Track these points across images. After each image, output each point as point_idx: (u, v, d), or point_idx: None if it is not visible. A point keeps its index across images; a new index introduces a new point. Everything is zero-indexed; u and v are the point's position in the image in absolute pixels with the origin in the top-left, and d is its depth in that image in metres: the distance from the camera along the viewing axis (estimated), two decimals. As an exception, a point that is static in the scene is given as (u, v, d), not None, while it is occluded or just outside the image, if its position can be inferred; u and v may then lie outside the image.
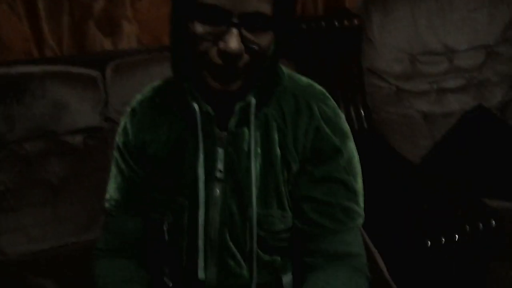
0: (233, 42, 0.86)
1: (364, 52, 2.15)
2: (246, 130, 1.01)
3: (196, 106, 0.99)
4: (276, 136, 1.02)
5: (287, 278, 1.11)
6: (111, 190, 1.12)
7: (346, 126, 1.05)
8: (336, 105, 1.06)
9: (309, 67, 1.99)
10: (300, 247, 1.05)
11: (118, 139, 1.11)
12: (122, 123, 1.11)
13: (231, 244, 1.04)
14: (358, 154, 1.07)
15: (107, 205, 1.13)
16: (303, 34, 2.09)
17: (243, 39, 0.88)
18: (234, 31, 0.86)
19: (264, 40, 0.90)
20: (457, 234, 1.43)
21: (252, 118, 1.00)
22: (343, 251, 1.02)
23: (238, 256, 1.05)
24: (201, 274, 1.05)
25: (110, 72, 1.85)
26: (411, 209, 1.59)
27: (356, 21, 2.11)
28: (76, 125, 1.81)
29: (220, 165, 1.02)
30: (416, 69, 2.18)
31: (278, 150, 1.02)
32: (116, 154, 1.12)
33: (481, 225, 1.46)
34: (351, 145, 1.05)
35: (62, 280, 1.52)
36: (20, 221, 1.69)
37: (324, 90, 1.07)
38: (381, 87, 2.16)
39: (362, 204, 1.05)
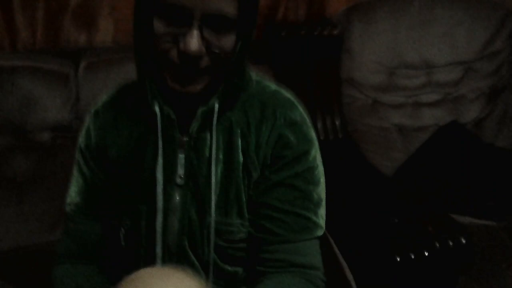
0: (193, 43, 0.85)
1: (342, 62, 2.14)
2: (208, 135, 0.99)
3: (157, 108, 0.97)
4: (238, 143, 1.00)
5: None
6: (72, 193, 1.09)
7: (312, 135, 1.03)
8: (303, 112, 1.04)
9: (287, 75, 1.98)
10: (254, 256, 1.02)
11: (81, 140, 1.08)
12: (85, 124, 1.09)
13: (190, 252, 1.01)
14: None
15: (67, 208, 1.10)
16: (282, 41, 2.07)
17: (204, 40, 0.86)
18: (195, 31, 0.85)
19: (227, 42, 0.89)
20: (427, 250, 1.42)
21: (214, 123, 0.98)
22: (297, 262, 1.00)
23: (197, 265, 1.02)
24: None
25: (83, 69, 1.81)
26: (381, 222, 1.58)
27: (336, 31, 2.10)
28: (45, 122, 1.76)
29: (180, 171, 1.00)
30: (393, 82, 2.18)
31: (240, 157, 1.00)
32: (78, 156, 1.09)
33: (450, 242, 1.45)
34: (315, 153, 1.03)
35: (23, 283, 1.47)
36: None
37: (292, 97, 1.05)
38: (357, 98, 2.15)
39: (321, 216, 1.03)
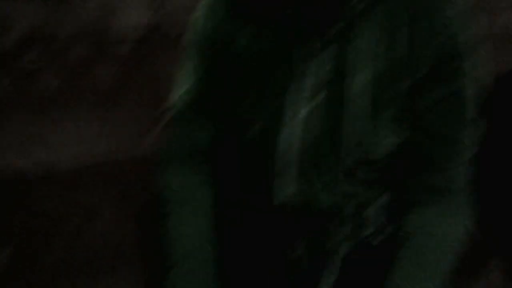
0: None
1: None
2: (356, 31, 0.86)
3: None
4: (398, 37, 0.85)
5: (372, 211, 0.99)
6: (180, 92, 1.02)
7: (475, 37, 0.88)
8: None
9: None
10: (399, 177, 0.95)
11: (192, 30, 0.99)
12: (197, 12, 0.98)
13: (314, 172, 0.93)
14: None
15: (173, 108, 1.04)
16: None
17: None
18: None
19: None
20: None
21: (365, 16, 0.85)
22: (446, 187, 0.93)
23: (321, 183, 0.94)
24: (277, 199, 0.95)
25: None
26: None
27: None
28: (128, 29, 1.62)
29: (319, 74, 0.88)
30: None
31: (398, 54, 0.85)
32: (188, 49, 1.00)
33: None
34: (479, 60, 0.89)
35: (108, 198, 1.45)
36: (64, 134, 1.55)
37: None
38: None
39: (474, 135, 0.93)
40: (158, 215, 1.05)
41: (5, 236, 1.37)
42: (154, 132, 1.52)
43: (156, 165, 1.06)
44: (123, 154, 1.56)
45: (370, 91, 0.88)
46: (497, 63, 1.80)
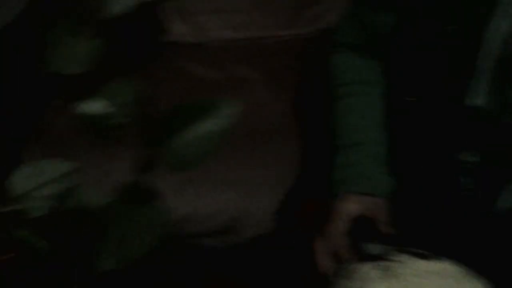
0: None
1: None
2: None
3: None
4: None
5: None
6: None
7: None
8: None
9: None
10: None
11: None
12: None
13: None
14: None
15: None
16: None
17: None
18: None
19: None
20: None
21: None
22: None
23: None
24: (468, 102, 0.85)
25: None
26: None
27: None
28: None
29: None
30: None
31: None
32: None
33: None
34: None
35: (260, 72, 1.41)
36: (219, 3, 1.53)
37: None
38: None
39: None
40: (326, 95, 1.02)
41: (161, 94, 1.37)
42: (309, 12, 1.47)
43: (314, 45, 1.10)
44: (278, 31, 1.51)
45: None
46: None
